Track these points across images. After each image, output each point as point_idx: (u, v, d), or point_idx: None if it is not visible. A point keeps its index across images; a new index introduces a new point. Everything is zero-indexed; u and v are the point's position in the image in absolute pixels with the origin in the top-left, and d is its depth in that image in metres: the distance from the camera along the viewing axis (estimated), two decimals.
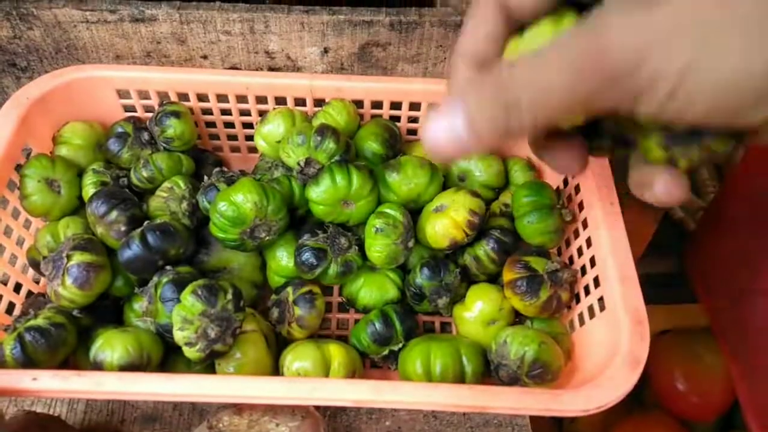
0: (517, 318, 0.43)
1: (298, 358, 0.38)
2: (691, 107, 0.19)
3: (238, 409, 0.35)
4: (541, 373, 0.37)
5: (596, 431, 0.67)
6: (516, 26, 0.25)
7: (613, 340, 0.36)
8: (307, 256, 0.41)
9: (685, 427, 0.64)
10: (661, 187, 0.24)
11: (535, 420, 0.69)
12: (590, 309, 0.40)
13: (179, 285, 0.37)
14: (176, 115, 0.45)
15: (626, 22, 0.19)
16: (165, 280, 0.37)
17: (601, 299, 0.39)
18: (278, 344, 0.42)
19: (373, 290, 0.44)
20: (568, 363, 0.40)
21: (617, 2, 0.20)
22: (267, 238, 0.41)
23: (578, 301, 0.42)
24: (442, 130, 0.22)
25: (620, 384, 0.34)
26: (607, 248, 0.39)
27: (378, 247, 0.41)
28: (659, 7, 0.19)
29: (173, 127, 0.45)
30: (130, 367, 0.35)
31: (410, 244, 0.42)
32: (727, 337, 0.60)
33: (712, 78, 0.18)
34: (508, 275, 0.42)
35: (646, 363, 0.70)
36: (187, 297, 0.35)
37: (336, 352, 0.39)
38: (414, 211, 0.45)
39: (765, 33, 0.17)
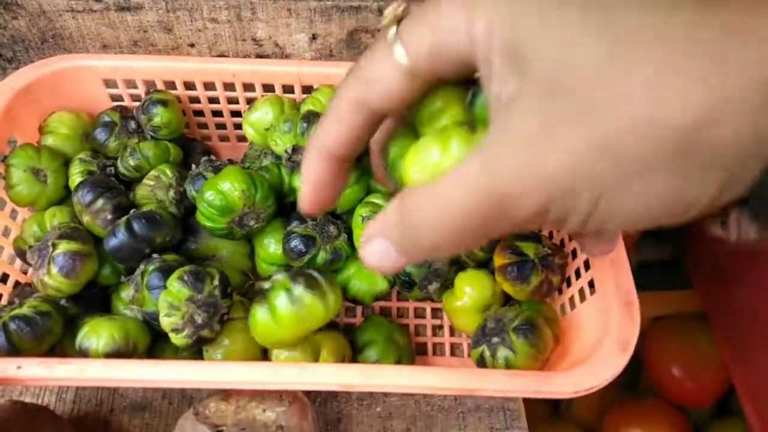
0: (508, 302, 0.43)
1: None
2: (612, 221, 0.18)
3: (225, 395, 0.34)
4: (527, 330, 0.37)
5: (592, 418, 0.67)
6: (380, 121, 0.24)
7: (603, 323, 0.36)
8: (296, 243, 0.41)
9: (681, 413, 0.63)
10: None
11: (530, 407, 0.69)
12: (581, 292, 0.40)
13: (166, 272, 0.36)
14: (163, 103, 0.45)
15: (520, 165, 0.18)
16: (151, 267, 0.37)
17: (591, 282, 0.39)
18: None
19: (362, 281, 0.44)
20: (557, 347, 0.40)
21: (505, 132, 0.18)
22: (255, 225, 0.41)
23: (569, 284, 0.42)
24: (375, 255, 0.22)
25: (610, 366, 0.34)
26: None
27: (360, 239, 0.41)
28: (552, 148, 0.17)
29: (160, 116, 0.44)
30: (116, 354, 0.35)
31: None
32: (720, 322, 0.59)
33: (625, 207, 0.18)
34: (498, 260, 0.42)
35: (641, 349, 0.70)
36: (174, 283, 0.35)
37: (324, 339, 0.39)
38: None
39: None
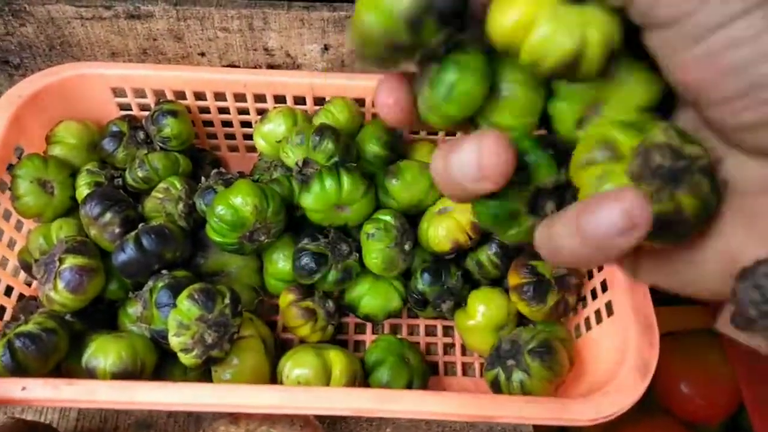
0: (522, 322, 0.42)
1: (297, 365, 0.37)
2: None
3: (234, 418, 0.34)
4: (543, 353, 0.36)
5: None
6: None
7: (622, 347, 0.35)
8: (307, 260, 0.40)
9: (689, 430, 0.63)
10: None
11: (540, 426, 0.68)
12: (597, 314, 0.39)
13: (175, 289, 0.36)
14: (173, 114, 0.44)
15: None
16: (160, 284, 0.36)
17: (608, 304, 0.38)
18: (276, 349, 0.41)
19: (376, 298, 0.43)
20: (571, 369, 0.39)
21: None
22: (266, 240, 0.40)
23: (585, 305, 0.41)
24: None
25: (629, 392, 0.33)
26: None
27: (373, 253, 0.40)
28: None
29: (170, 127, 0.43)
30: (124, 374, 0.34)
31: (407, 247, 0.41)
32: (731, 339, 0.59)
33: None
34: (513, 279, 0.41)
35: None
36: (184, 301, 0.34)
37: (337, 358, 0.38)
38: (417, 214, 0.44)
39: None
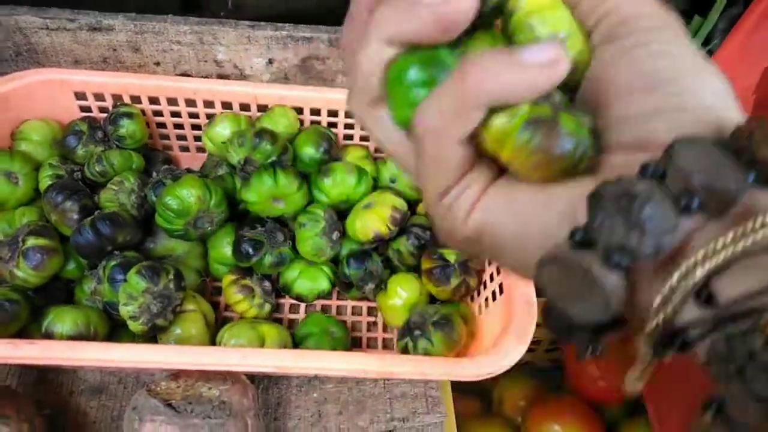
0: (431, 302, 0.49)
1: (234, 335, 0.43)
2: None
3: (174, 376, 0.39)
4: (444, 324, 0.43)
5: (518, 413, 0.73)
6: None
7: (507, 319, 0.42)
8: (246, 246, 0.46)
9: (595, 410, 0.70)
10: None
11: (463, 405, 0.74)
12: (493, 294, 0.46)
13: (125, 267, 0.41)
14: (129, 116, 0.49)
15: None
16: (113, 263, 0.42)
17: (501, 285, 0.45)
18: (217, 325, 0.46)
19: (307, 280, 0.49)
20: (472, 341, 0.46)
21: None
22: (209, 228, 0.46)
23: (485, 287, 0.48)
24: None
25: (509, 354, 0.40)
26: None
27: (305, 241, 0.47)
28: None
29: (125, 127, 0.49)
30: (78, 338, 0.39)
31: (334, 236, 0.47)
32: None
33: None
34: (425, 264, 0.48)
35: (561, 350, 0.76)
36: (133, 276, 0.39)
37: (269, 331, 0.44)
38: (346, 210, 0.51)
39: None
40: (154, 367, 0.37)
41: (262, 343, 0.43)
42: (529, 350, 0.81)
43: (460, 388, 0.55)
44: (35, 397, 0.45)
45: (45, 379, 0.46)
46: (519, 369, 0.82)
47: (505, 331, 0.41)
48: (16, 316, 0.40)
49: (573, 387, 0.72)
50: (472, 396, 0.79)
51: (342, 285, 0.49)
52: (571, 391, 0.73)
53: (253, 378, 0.46)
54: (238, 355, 0.37)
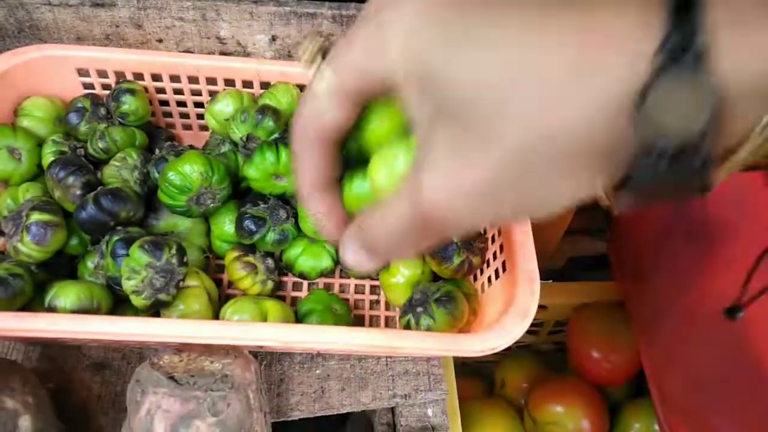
0: (434, 280, 0.49)
1: (237, 311, 0.43)
2: (529, 214, 0.22)
3: (178, 350, 0.39)
4: (446, 301, 0.43)
5: (520, 395, 0.74)
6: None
7: (509, 296, 0.42)
8: (248, 222, 0.46)
9: (597, 391, 0.70)
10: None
11: (466, 388, 0.75)
12: (496, 272, 0.46)
13: (128, 242, 0.41)
14: (131, 92, 0.49)
15: (447, 187, 0.20)
16: (116, 238, 0.42)
17: (504, 263, 0.45)
18: (220, 302, 0.46)
19: (309, 258, 0.49)
20: (474, 318, 0.46)
21: (431, 155, 0.21)
22: (212, 205, 0.46)
23: (488, 266, 0.48)
24: (350, 259, 0.26)
25: (511, 330, 0.40)
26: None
27: (306, 218, 0.46)
28: (472, 167, 0.19)
29: (128, 104, 0.49)
30: (82, 312, 0.39)
31: None
32: (634, 311, 0.67)
33: (536, 204, 0.21)
34: None
35: (565, 333, 0.76)
36: (136, 250, 0.39)
37: (272, 307, 0.44)
38: None
39: None
40: (159, 341, 0.37)
41: (264, 319, 0.43)
42: (532, 332, 0.82)
43: (462, 371, 0.55)
44: (39, 371, 0.45)
45: (49, 356, 0.46)
46: (521, 351, 0.82)
47: (507, 308, 0.41)
48: (20, 291, 0.40)
49: (576, 369, 0.72)
50: (474, 378, 0.79)
51: None
52: (574, 373, 0.73)
53: (257, 354, 0.47)
54: (241, 329, 0.37)
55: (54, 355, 0.46)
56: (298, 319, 0.46)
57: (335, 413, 0.46)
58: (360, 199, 0.29)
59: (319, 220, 0.29)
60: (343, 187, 0.29)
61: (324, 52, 0.25)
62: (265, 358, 0.47)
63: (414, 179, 0.21)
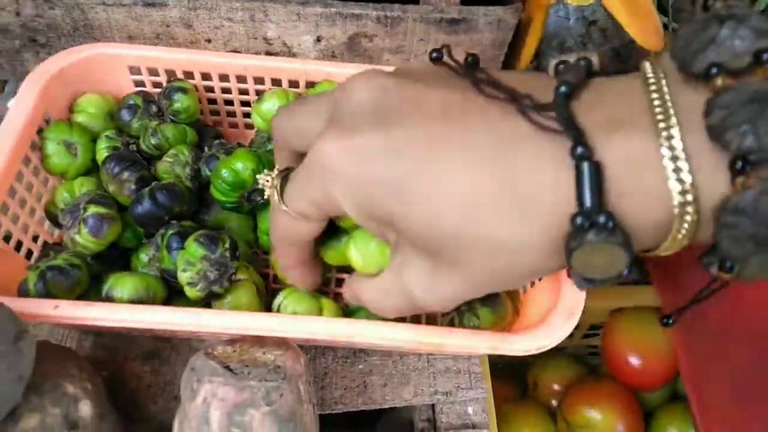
0: None
1: (294, 302, 0.44)
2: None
3: (230, 341, 0.40)
4: (491, 300, 0.43)
5: (553, 397, 0.74)
6: None
7: (553, 296, 0.42)
8: None
9: (632, 395, 0.70)
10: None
11: (500, 390, 0.75)
12: None
13: (183, 236, 0.42)
14: (183, 90, 0.50)
15: (425, 294, 0.26)
16: (171, 231, 0.43)
17: None
18: (268, 294, 0.47)
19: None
20: (516, 318, 0.46)
21: (408, 266, 0.26)
22: (261, 201, 0.47)
23: None
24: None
25: (557, 330, 0.40)
26: None
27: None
28: (445, 284, 0.25)
29: (180, 102, 0.50)
30: (138, 302, 0.40)
31: None
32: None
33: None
34: None
35: (601, 336, 0.76)
36: (191, 243, 0.40)
37: (327, 304, 0.45)
38: None
39: None
40: (216, 332, 0.38)
41: (320, 314, 0.43)
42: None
43: (494, 372, 0.56)
44: (91, 360, 0.46)
45: (101, 345, 0.47)
46: (554, 353, 0.82)
47: (553, 307, 0.41)
48: (78, 280, 0.42)
49: (610, 372, 0.72)
50: (506, 379, 0.79)
51: None
52: (609, 376, 0.72)
53: (301, 347, 0.47)
54: (294, 322, 0.38)
55: (106, 344, 0.47)
56: (347, 315, 0.47)
57: (378, 407, 0.47)
58: (338, 258, 0.40)
59: (295, 281, 0.36)
60: (322, 244, 0.37)
61: (282, 180, 0.28)
62: (309, 351, 0.48)
63: (400, 281, 0.26)
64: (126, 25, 0.54)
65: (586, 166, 0.19)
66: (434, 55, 0.24)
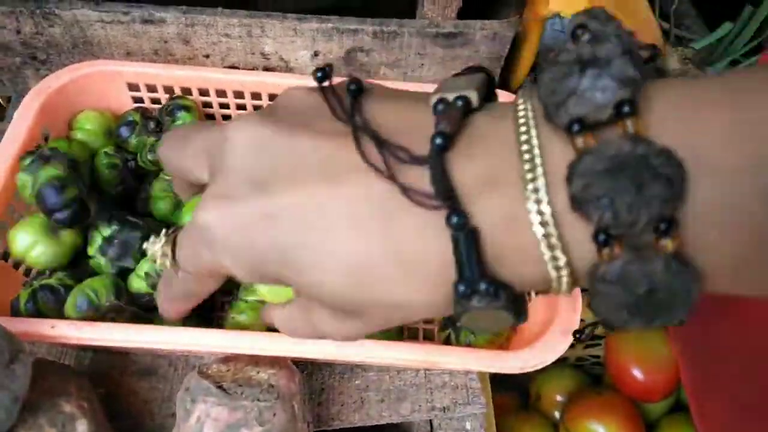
0: None
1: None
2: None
3: (224, 359, 0.40)
4: None
5: (556, 409, 0.73)
6: None
7: (550, 312, 0.42)
8: None
9: (634, 406, 0.70)
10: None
11: (501, 401, 0.75)
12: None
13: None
14: (186, 108, 0.51)
15: (327, 329, 0.25)
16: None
17: None
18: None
19: None
20: (513, 334, 0.46)
21: (313, 314, 0.26)
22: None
23: None
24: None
25: (553, 348, 0.40)
26: None
27: None
28: (348, 326, 0.24)
29: (183, 119, 0.50)
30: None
31: None
32: (673, 328, 0.66)
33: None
34: None
35: (603, 347, 0.76)
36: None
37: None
38: None
39: None
40: (207, 351, 0.38)
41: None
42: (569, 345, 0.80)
43: (496, 383, 0.56)
44: (90, 377, 0.47)
45: (99, 360, 0.48)
46: (557, 363, 0.81)
47: (549, 324, 0.41)
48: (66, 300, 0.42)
49: (613, 383, 0.72)
50: (508, 390, 0.79)
51: None
52: (611, 387, 0.72)
53: (298, 363, 0.47)
54: (286, 342, 0.38)
55: (103, 359, 0.48)
56: None
57: (374, 424, 0.47)
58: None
59: (169, 319, 0.33)
60: None
61: (173, 245, 0.27)
62: (306, 368, 0.48)
63: (306, 317, 0.26)
64: (124, 41, 0.55)
65: (461, 236, 0.19)
66: (319, 74, 0.23)
